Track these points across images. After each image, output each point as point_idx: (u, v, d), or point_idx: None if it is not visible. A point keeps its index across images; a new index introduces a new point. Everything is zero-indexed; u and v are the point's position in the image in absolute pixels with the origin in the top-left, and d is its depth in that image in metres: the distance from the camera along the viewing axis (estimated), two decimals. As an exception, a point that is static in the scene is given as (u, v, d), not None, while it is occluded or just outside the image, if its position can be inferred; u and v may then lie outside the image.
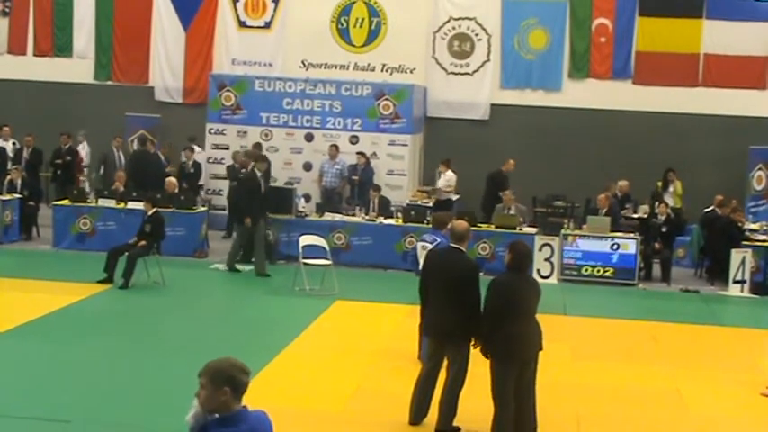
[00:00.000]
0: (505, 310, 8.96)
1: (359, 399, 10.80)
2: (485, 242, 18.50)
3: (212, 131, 23.01)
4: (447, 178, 22.54)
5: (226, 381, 4.73)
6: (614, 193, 20.89)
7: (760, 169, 22.74)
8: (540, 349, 9.15)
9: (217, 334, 13.26)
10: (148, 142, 22.66)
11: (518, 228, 18.89)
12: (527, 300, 9.06)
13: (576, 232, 18.93)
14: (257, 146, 21.58)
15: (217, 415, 4.79)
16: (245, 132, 22.74)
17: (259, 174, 18.19)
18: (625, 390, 11.52)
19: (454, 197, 22.47)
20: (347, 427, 9.91)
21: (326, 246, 16.96)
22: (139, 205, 17.88)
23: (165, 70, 25.69)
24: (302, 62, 24.96)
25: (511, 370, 9.00)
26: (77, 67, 25.96)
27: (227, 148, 22.55)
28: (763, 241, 18.84)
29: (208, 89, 23.59)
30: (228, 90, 22.94)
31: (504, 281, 9.16)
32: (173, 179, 20.29)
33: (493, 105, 24.61)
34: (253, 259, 18.09)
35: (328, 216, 19.44)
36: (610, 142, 23.76)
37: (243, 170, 19.93)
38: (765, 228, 20.00)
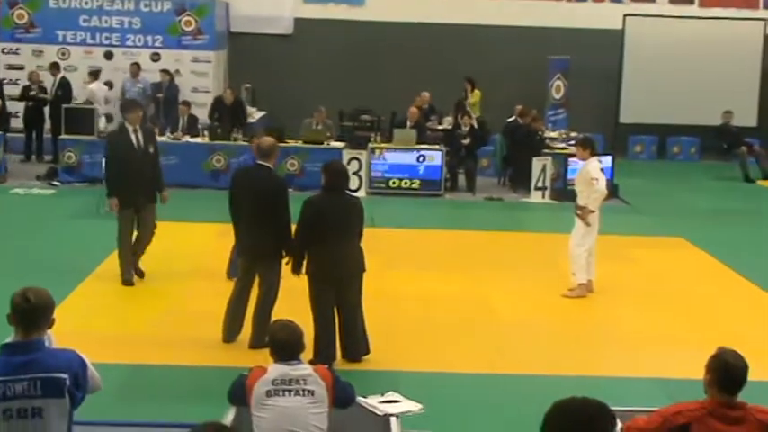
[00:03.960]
0: (317, 230, 8.95)
1: (171, 319, 10.71)
2: (293, 158, 18.45)
3: (5, 51, 22.11)
4: (87, 92, 20.96)
5: None
6: (421, 105, 21.08)
7: (558, 79, 23.36)
8: (363, 270, 9.19)
9: (20, 259, 12.84)
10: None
11: (326, 143, 18.92)
12: (342, 219, 9.05)
13: (383, 145, 19.11)
14: (54, 65, 20.82)
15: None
16: (40, 52, 21.92)
17: (131, 129, 11.85)
18: (434, 296, 11.80)
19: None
20: (160, 347, 9.83)
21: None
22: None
23: (-50, -14, 24.36)
24: (99, -23, 24.07)
25: (326, 289, 9.02)
26: None
27: (22, 68, 21.70)
28: (563, 149, 19.43)
29: (-1, 7, 22.57)
30: (21, 7, 22.01)
31: (316, 200, 9.15)
32: None
33: (296, 19, 24.36)
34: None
35: (132, 136, 18.94)
36: (414, 55, 23.90)
37: (33, 86, 19.33)
38: (564, 136, 20.65)
